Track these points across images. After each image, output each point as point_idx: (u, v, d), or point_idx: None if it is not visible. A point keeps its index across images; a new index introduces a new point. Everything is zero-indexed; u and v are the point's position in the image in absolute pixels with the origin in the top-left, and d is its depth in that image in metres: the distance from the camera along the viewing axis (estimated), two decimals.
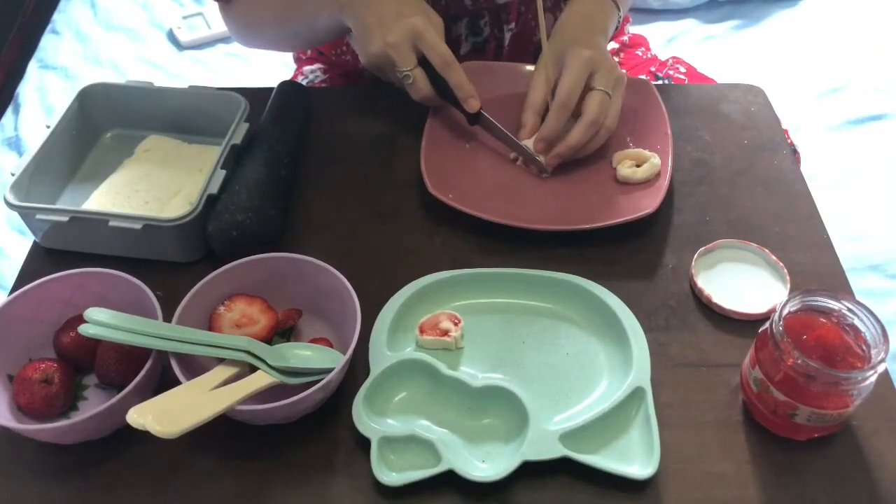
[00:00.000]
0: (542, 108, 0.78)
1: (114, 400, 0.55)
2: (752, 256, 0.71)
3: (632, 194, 0.75)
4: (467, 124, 0.80)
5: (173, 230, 0.68)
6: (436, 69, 0.75)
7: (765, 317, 0.66)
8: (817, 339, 0.57)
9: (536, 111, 0.77)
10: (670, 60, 1.04)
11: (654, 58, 1.07)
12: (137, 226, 0.67)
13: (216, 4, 0.90)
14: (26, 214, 0.70)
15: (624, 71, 0.77)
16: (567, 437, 0.57)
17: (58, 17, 1.89)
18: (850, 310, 0.57)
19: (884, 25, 1.81)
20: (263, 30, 0.90)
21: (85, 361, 0.62)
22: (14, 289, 0.68)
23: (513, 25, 0.92)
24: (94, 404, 0.61)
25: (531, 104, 0.78)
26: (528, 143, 0.77)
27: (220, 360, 0.59)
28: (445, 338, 0.64)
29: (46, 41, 1.83)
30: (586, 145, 0.76)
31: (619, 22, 0.86)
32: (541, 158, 0.77)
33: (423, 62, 0.75)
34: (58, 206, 0.74)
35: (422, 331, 0.65)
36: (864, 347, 0.55)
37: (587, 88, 0.75)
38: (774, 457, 0.59)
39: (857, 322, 0.56)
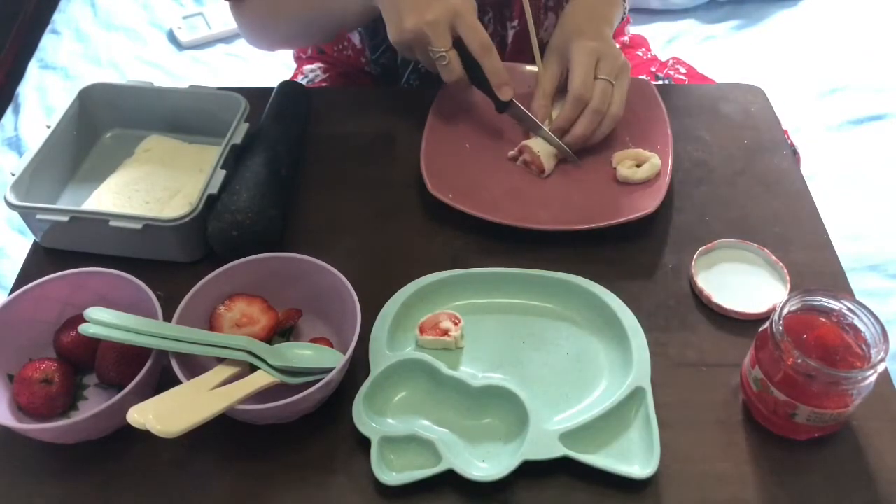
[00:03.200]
0: (552, 97, 0.80)
1: (114, 400, 0.55)
2: (752, 256, 0.71)
3: (632, 194, 0.75)
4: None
5: (173, 230, 0.68)
6: (472, 53, 0.74)
7: (765, 316, 0.66)
8: (817, 339, 0.57)
9: (547, 100, 0.79)
10: (670, 61, 1.04)
11: (655, 58, 1.07)
12: (137, 226, 0.67)
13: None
14: (26, 214, 0.70)
15: (626, 59, 0.79)
16: (567, 436, 0.57)
17: (58, 17, 1.89)
18: (850, 309, 0.56)
19: (884, 25, 1.81)
20: (280, 26, 0.89)
21: (85, 361, 0.62)
22: (14, 289, 0.68)
23: (516, 23, 0.93)
24: (94, 404, 0.61)
25: (542, 94, 0.79)
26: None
27: (221, 360, 0.59)
28: (445, 337, 0.64)
29: (46, 41, 1.83)
30: (594, 134, 0.77)
31: (624, 13, 0.87)
32: (567, 149, 0.78)
33: (457, 44, 0.74)
34: (58, 206, 0.74)
35: (422, 331, 0.65)
36: (864, 347, 0.55)
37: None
38: (774, 457, 0.59)
39: (856, 322, 0.56)
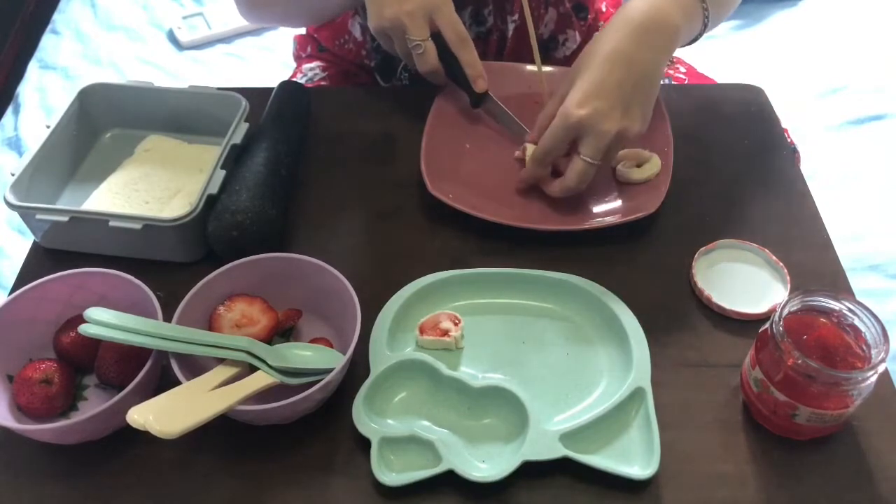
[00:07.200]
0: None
1: (114, 400, 0.55)
2: (752, 256, 0.71)
3: (632, 194, 0.75)
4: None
5: (173, 230, 0.68)
6: (448, 45, 0.75)
7: (765, 317, 0.66)
8: (817, 340, 0.57)
9: (549, 121, 0.72)
10: (670, 60, 1.04)
11: None
12: (137, 226, 0.67)
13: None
14: (26, 214, 0.70)
15: (625, 127, 0.68)
16: (567, 437, 0.57)
17: (58, 17, 1.89)
18: (850, 310, 0.56)
19: (884, 25, 1.81)
20: (272, 4, 0.89)
21: (85, 361, 0.62)
22: (14, 289, 0.68)
23: (516, 17, 0.93)
24: (94, 404, 0.61)
25: (545, 116, 0.75)
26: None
27: (221, 361, 0.59)
28: (445, 338, 0.64)
29: (46, 41, 1.83)
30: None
31: (704, 25, 0.74)
32: None
33: (434, 36, 0.75)
34: (58, 206, 0.74)
35: (422, 331, 0.65)
36: (865, 347, 0.55)
37: (573, 149, 0.70)
38: (774, 457, 0.59)
39: (857, 322, 0.56)
